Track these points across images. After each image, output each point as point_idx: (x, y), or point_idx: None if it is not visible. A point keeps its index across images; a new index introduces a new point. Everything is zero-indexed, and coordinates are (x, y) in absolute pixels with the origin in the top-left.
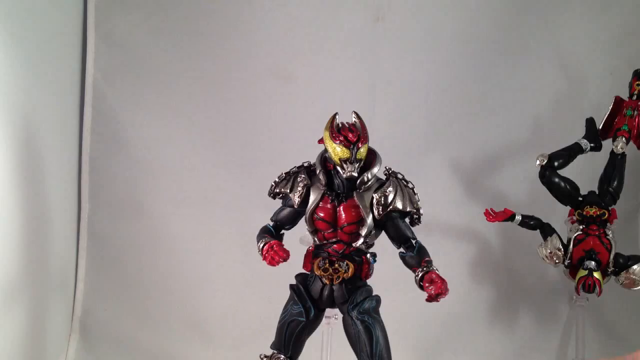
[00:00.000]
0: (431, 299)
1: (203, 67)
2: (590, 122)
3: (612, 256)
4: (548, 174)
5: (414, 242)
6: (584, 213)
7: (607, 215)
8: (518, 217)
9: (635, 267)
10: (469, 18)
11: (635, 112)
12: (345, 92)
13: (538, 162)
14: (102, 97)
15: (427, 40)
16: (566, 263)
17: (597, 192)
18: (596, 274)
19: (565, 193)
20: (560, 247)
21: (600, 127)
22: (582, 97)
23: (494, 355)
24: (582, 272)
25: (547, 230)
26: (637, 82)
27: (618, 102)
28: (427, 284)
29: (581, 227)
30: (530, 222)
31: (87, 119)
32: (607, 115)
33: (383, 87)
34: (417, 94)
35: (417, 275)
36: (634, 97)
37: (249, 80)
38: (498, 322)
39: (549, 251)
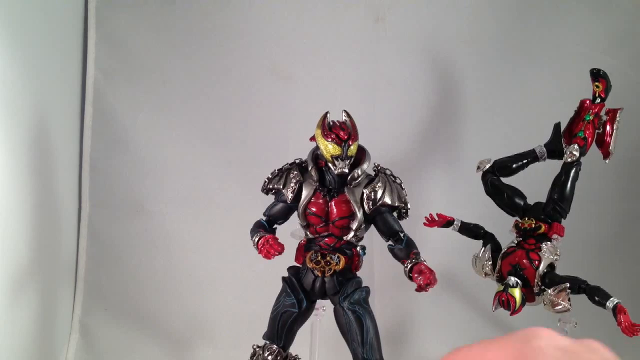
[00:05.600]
0: (420, 289)
1: (203, 67)
2: (555, 127)
3: (539, 274)
4: (488, 181)
5: (402, 235)
6: (519, 225)
7: (543, 229)
8: (457, 223)
9: (549, 290)
10: (469, 18)
11: (594, 117)
12: (345, 92)
13: (478, 167)
14: (102, 97)
15: (427, 40)
16: (495, 277)
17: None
18: (514, 291)
19: (507, 203)
20: (490, 258)
21: (563, 133)
22: (582, 97)
23: None
24: (500, 287)
25: (486, 240)
26: (596, 83)
27: (582, 105)
28: (416, 275)
29: (517, 240)
30: (469, 230)
31: (88, 119)
32: (569, 120)
33: (383, 87)
34: (417, 94)
35: (406, 267)
36: (596, 101)
37: (249, 80)
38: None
39: (481, 263)
